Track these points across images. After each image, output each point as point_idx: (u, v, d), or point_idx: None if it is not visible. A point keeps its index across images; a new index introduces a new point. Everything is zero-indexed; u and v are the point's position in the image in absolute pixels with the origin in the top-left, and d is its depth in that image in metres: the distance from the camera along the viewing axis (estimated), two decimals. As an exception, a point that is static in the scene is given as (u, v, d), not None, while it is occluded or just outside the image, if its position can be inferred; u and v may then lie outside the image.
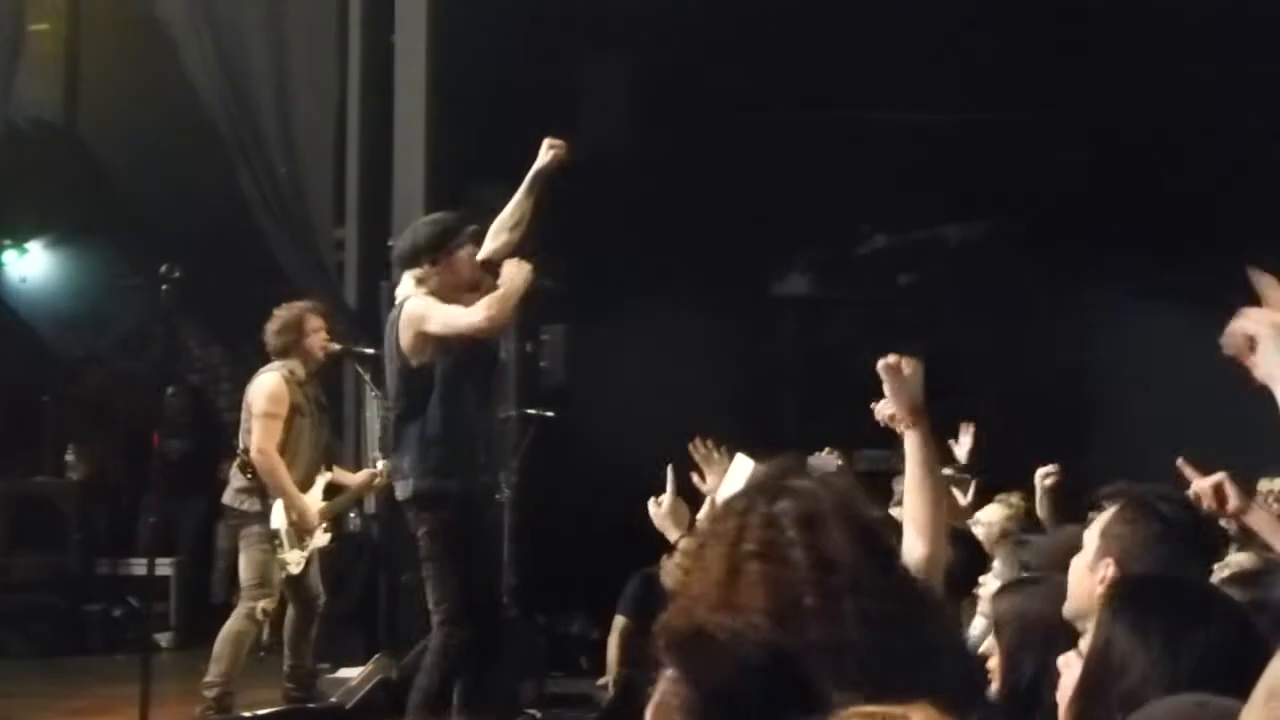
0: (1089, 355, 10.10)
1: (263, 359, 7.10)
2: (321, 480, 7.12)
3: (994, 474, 6.69)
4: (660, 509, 4.53)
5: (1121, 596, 2.53)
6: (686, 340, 9.44)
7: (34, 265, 11.08)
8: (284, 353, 7.00)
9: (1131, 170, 9.83)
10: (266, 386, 6.91)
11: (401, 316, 5.83)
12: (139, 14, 10.15)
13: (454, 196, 8.05)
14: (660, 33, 9.61)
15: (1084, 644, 2.57)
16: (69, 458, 10.21)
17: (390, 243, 8.96)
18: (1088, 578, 3.06)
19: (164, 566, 9.32)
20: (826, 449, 6.41)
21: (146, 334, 10.16)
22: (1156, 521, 3.14)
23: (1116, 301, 10.00)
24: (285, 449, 6.87)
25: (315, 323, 7.06)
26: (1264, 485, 6.80)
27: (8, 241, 10.91)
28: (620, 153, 9.70)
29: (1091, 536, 3.15)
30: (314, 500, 7.04)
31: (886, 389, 3.31)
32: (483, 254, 5.95)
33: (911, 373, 3.28)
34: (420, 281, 5.82)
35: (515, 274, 5.81)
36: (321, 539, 7.05)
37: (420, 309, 5.77)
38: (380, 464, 7.26)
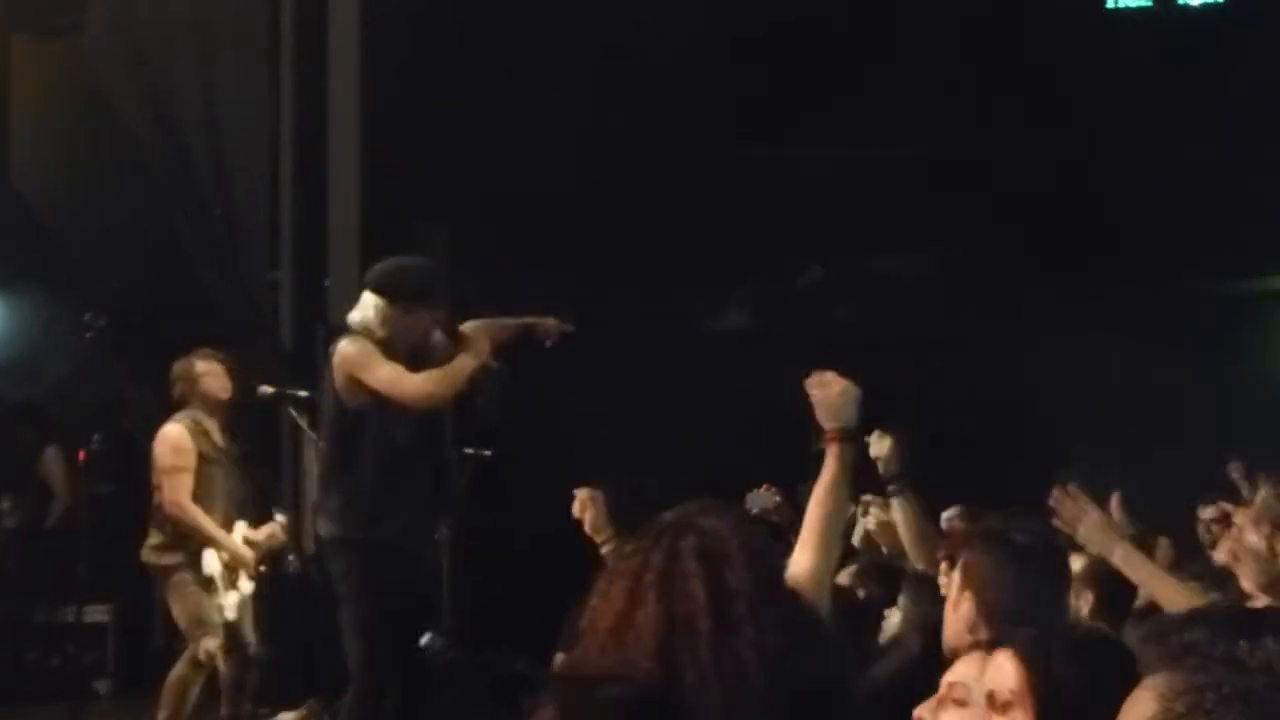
0: (1027, 382, 10.20)
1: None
2: (240, 527, 7.09)
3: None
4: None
5: (993, 631, 2.55)
6: (625, 376, 9.46)
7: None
8: (183, 403, 7.00)
9: (1070, 197, 10.00)
10: (169, 439, 6.92)
11: (337, 356, 5.74)
12: (69, 60, 10.12)
13: (390, 238, 8.06)
14: (599, 68, 9.67)
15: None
16: (3, 505, 10.10)
17: (327, 283, 8.98)
18: (954, 616, 3.06)
19: (99, 613, 9.24)
20: (764, 485, 6.45)
21: (79, 381, 10.07)
22: (1008, 550, 3.11)
23: (1052, 328, 10.11)
24: (199, 497, 6.85)
25: (204, 366, 7.06)
26: (1203, 513, 6.89)
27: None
28: (559, 189, 9.73)
29: (955, 575, 3.14)
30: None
31: (814, 401, 3.41)
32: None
33: (841, 391, 3.38)
34: (384, 321, 5.71)
35: (468, 356, 5.76)
36: (248, 586, 7.01)
37: (358, 356, 5.66)
38: (280, 518, 7.25)
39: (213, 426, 7.04)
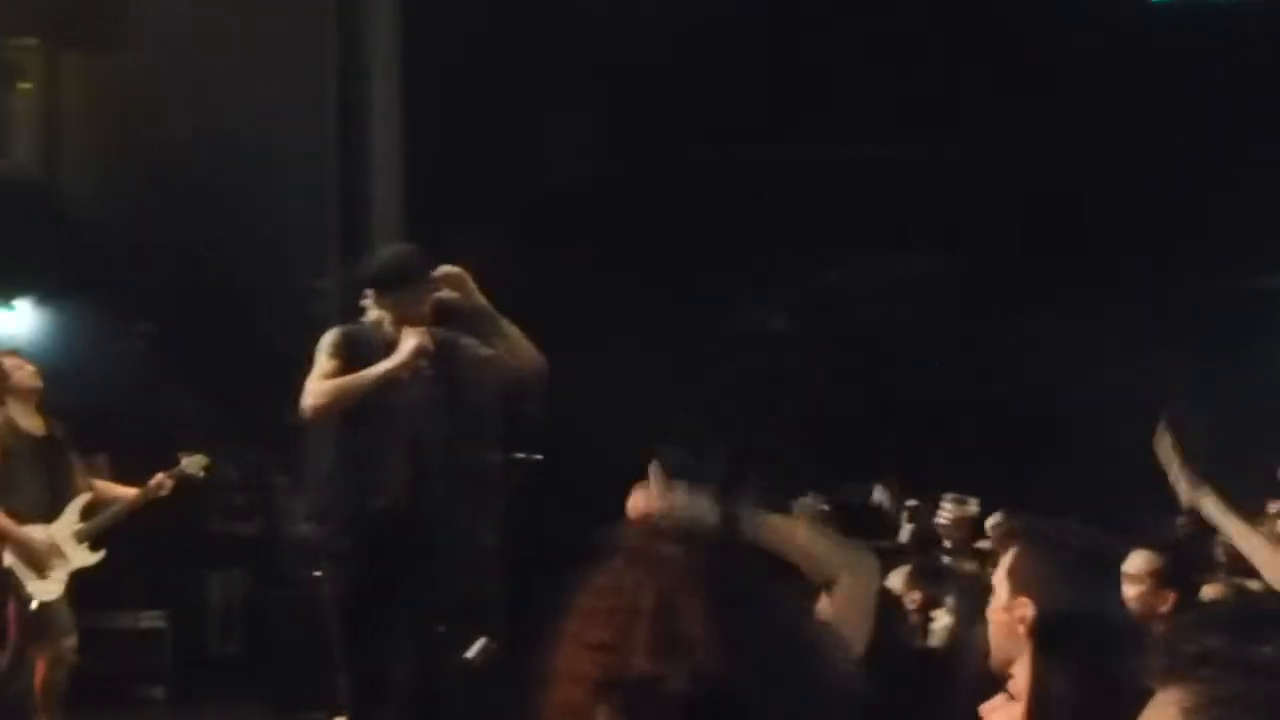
0: (1042, 380, 10.16)
1: None
2: (77, 503, 7.16)
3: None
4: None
5: (1046, 635, 2.53)
6: (658, 379, 9.49)
7: (19, 323, 11.11)
8: None
9: (1077, 197, 9.98)
10: None
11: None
12: (118, 74, 10.23)
13: (434, 243, 8.12)
14: (627, 74, 9.72)
15: (1012, 686, 2.58)
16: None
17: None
18: (1006, 620, 3.03)
19: (155, 619, 9.32)
20: (810, 493, 6.44)
21: (126, 389, 10.18)
22: (1063, 552, 3.10)
23: (1064, 326, 10.08)
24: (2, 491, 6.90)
25: (10, 361, 7.13)
26: (1271, 508, 6.85)
27: (-8, 299, 10.95)
28: (599, 192, 9.78)
29: (1000, 579, 3.10)
30: (66, 525, 7.10)
31: None
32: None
33: None
34: (375, 309, 5.58)
35: (394, 355, 5.41)
36: (88, 558, 7.09)
37: (317, 351, 5.52)
38: (180, 467, 7.22)
39: (25, 416, 7.08)
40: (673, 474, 3.94)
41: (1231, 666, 1.49)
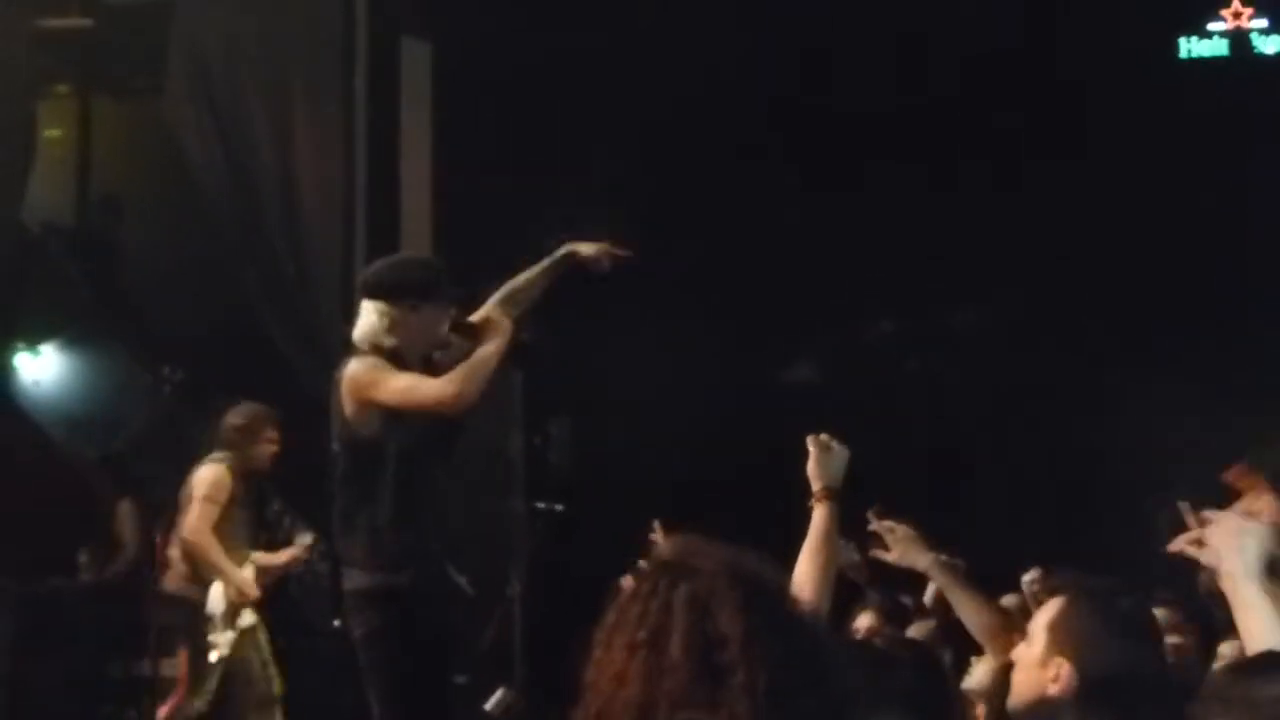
0: (1097, 436, 10.08)
1: None
2: (249, 567, 7.15)
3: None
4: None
5: (1086, 700, 2.49)
6: (694, 427, 9.43)
7: (47, 368, 11.14)
8: (232, 446, 7.06)
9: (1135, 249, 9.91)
10: (209, 475, 6.99)
11: (344, 380, 5.03)
12: (148, 120, 10.30)
13: (461, 292, 8.11)
14: (666, 125, 9.71)
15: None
16: (81, 559, 10.19)
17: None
18: (1037, 673, 2.95)
19: (173, 667, 9.26)
20: (841, 540, 6.37)
21: (156, 436, 10.19)
22: (1114, 617, 3.00)
23: (1127, 380, 10.00)
24: (220, 536, 6.92)
25: (271, 434, 7.12)
26: None
27: (21, 344, 10.98)
28: (627, 244, 9.75)
29: (1038, 630, 3.01)
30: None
31: (810, 461, 3.73)
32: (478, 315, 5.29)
33: (837, 452, 3.75)
34: (391, 328, 5.03)
35: (489, 341, 5.01)
36: (248, 619, 7.04)
37: (366, 374, 4.95)
38: (308, 538, 7.22)
39: (246, 478, 7.18)
40: None
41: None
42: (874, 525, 3.84)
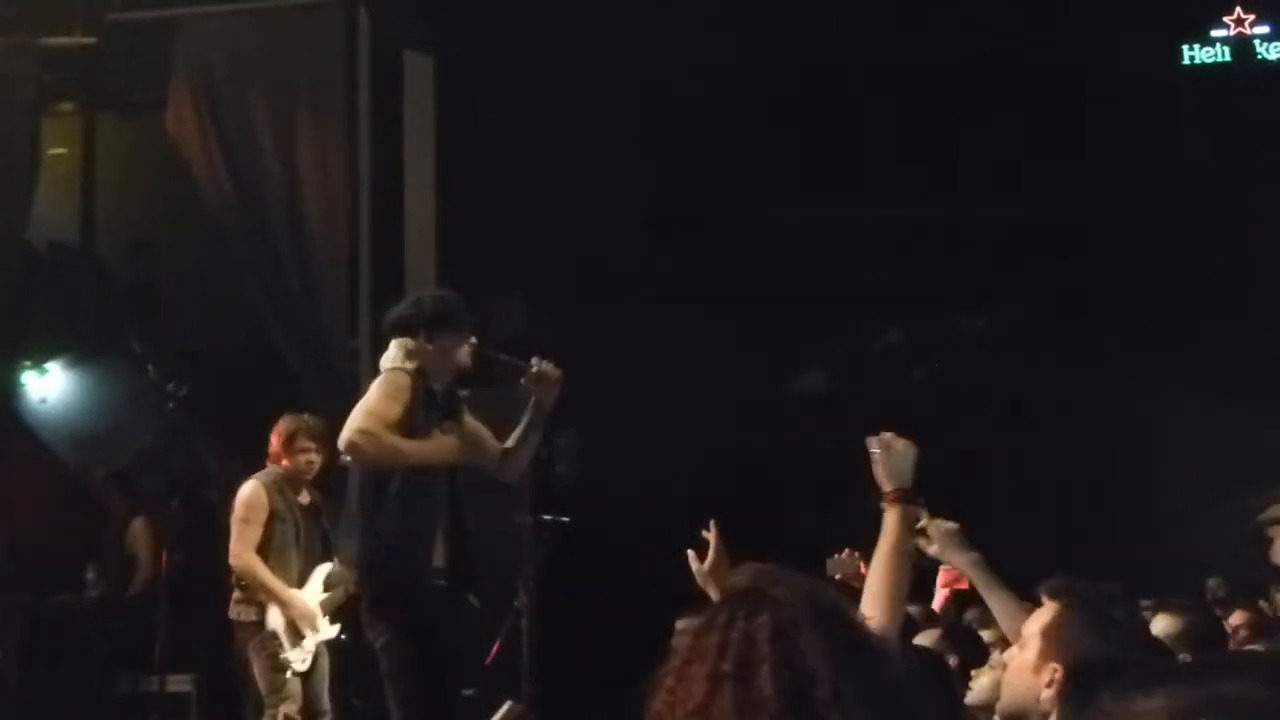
0: (1105, 440, 10.06)
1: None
2: (321, 572, 7.08)
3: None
4: (703, 566, 4.20)
5: (1074, 700, 2.48)
6: (701, 440, 9.43)
7: (53, 385, 11.15)
8: (271, 460, 7.11)
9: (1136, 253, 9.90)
10: (243, 494, 7.00)
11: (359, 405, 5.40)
12: (152, 137, 10.31)
13: (467, 304, 8.12)
14: (670, 134, 9.73)
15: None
16: (89, 575, 10.20)
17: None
18: (1029, 677, 2.95)
19: (182, 683, 9.28)
20: (846, 550, 6.35)
21: (163, 451, 10.20)
22: (1107, 624, 3.01)
23: (1131, 384, 9.99)
24: (266, 553, 6.90)
25: (304, 444, 7.10)
26: None
27: (27, 362, 11.00)
28: (632, 254, 9.77)
29: (1032, 633, 3.01)
30: (312, 595, 7.01)
31: (874, 462, 3.39)
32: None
33: (902, 451, 3.35)
34: (410, 355, 5.46)
35: (445, 447, 5.38)
36: (328, 631, 7.01)
37: (373, 388, 5.40)
38: (330, 566, 7.11)
39: (290, 486, 7.10)
40: None
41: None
42: (923, 522, 3.70)
